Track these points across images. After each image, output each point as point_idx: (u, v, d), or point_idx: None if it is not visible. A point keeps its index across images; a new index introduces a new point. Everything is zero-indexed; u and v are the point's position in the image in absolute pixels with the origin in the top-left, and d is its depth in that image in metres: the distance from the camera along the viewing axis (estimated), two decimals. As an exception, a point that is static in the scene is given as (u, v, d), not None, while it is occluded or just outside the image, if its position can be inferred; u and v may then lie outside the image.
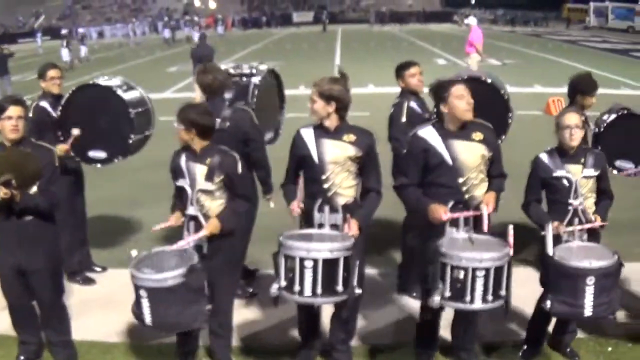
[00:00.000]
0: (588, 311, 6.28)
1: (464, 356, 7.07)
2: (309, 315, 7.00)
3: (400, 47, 51.16)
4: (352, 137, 6.59)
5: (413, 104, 8.56)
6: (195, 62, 22.57)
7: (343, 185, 6.59)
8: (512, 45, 51.31)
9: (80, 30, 70.16)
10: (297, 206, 6.65)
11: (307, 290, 5.96)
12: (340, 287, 6.05)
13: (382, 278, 9.22)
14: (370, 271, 8.96)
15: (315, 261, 5.91)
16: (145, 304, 5.99)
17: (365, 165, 6.68)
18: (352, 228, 6.38)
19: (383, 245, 10.06)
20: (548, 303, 6.40)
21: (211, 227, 6.45)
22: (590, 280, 6.18)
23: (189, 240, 6.44)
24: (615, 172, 8.92)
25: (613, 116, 8.91)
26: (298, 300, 6.18)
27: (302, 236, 6.31)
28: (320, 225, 6.52)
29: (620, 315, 8.13)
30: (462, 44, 45.68)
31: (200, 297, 6.22)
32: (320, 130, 6.65)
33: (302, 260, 5.93)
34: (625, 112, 9.01)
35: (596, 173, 6.90)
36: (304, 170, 6.77)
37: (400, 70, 8.85)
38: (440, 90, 6.54)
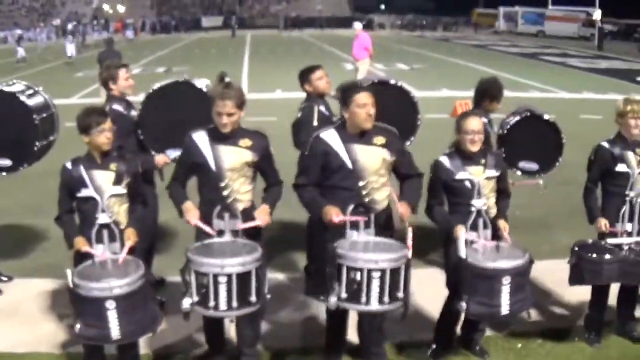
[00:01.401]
0: (505, 310, 6.39)
1: (373, 358, 7.08)
2: (215, 323, 6.95)
3: (309, 52, 51.32)
4: (248, 142, 6.51)
5: (322, 108, 8.58)
6: (103, 67, 22.22)
7: (241, 191, 6.53)
8: (421, 50, 51.92)
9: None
10: (197, 218, 6.50)
11: (223, 305, 5.89)
12: (254, 298, 6.00)
13: (289, 282, 9.18)
14: (276, 275, 8.96)
15: (230, 276, 5.84)
16: (113, 316, 5.74)
17: (263, 168, 6.68)
18: (263, 218, 6.42)
19: (289, 249, 10.03)
20: (464, 305, 6.44)
21: (133, 237, 6.36)
22: (506, 280, 6.28)
23: (120, 256, 6.22)
24: (519, 173, 9.09)
25: (517, 118, 9.07)
26: (214, 315, 6.12)
27: (210, 250, 6.18)
28: (221, 232, 6.43)
29: (532, 312, 8.28)
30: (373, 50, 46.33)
31: (153, 295, 6.23)
32: (215, 136, 6.51)
33: (216, 276, 5.85)
34: (529, 114, 9.19)
35: (497, 174, 6.99)
36: (199, 176, 6.65)
37: (307, 75, 8.83)
38: (344, 95, 6.56)
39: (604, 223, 7.40)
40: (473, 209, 6.80)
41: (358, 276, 5.90)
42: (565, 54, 56.56)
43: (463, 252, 6.44)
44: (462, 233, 6.56)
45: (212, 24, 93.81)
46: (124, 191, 6.45)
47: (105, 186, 6.35)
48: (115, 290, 5.72)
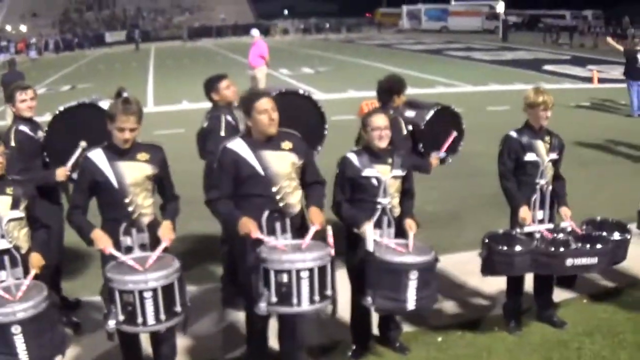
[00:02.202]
0: (411, 305, 6.44)
1: (295, 363, 7.07)
2: (133, 341, 6.76)
3: (214, 61, 51.01)
4: (145, 156, 6.40)
5: (229, 117, 8.51)
6: (6, 89, 21.85)
7: (144, 205, 6.41)
8: (325, 52, 52.10)
9: None
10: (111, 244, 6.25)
11: (151, 319, 5.80)
12: (178, 308, 5.95)
13: (204, 293, 9.07)
14: (192, 287, 8.88)
15: (154, 290, 5.76)
16: (20, 340, 5.53)
17: (162, 180, 6.59)
18: (168, 235, 6.33)
19: (203, 260, 9.88)
20: (369, 299, 6.49)
21: (37, 263, 6.16)
22: (414, 275, 6.33)
23: (25, 283, 5.97)
24: (441, 150, 9.16)
25: (431, 112, 9.17)
26: (143, 331, 6.02)
27: (127, 267, 6.01)
28: (129, 249, 6.32)
29: (450, 305, 8.37)
30: (276, 54, 46.17)
31: (59, 317, 6.07)
32: (112, 152, 6.37)
33: (141, 292, 5.76)
34: (439, 107, 9.33)
35: (403, 173, 7.05)
36: (100, 196, 6.46)
37: (213, 84, 8.71)
38: (245, 104, 6.53)
39: (525, 213, 7.53)
40: (378, 206, 6.85)
41: (286, 278, 5.87)
42: (469, 47, 57.42)
43: (370, 246, 6.48)
44: (369, 227, 6.61)
45: (115, 39, 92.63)
46: (22, 214, 6.28)
47: (2, 211, 6.17)
48: (18, 314, 5.54)
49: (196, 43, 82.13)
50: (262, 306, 5.97)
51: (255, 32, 26.49)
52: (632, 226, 8.46)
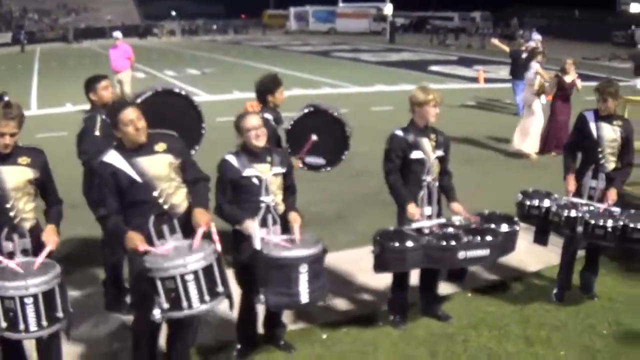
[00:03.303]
0: (305, 298, 6.43)
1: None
2: (16, 349, 6.56)
3: (99, 62, 49.79)
4: (26, 159, 6.25)
5: (105, 117, 8.37)
6: None
7: (26, 209, 6.26)
8: (212, 54, 51.80)
9: None
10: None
11: (33, 326, 5.68)
12: (60, 314, 5.84)
13: (87, 298, 8.85)
14: (75, 292, 8.65)
15: (35, 296, 5.64)
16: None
17: (44, 184, 6.44)
18: (52, 239, 6.19)
19: (85, 265, 9.60)
20: (262, 297, 6.45)
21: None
22: (303, 268, 6.33)
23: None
24: (306, 168, 9.13)
25: (299, 114, 9.14)
26: (26, 337, 5.91)
27: (7, 273, 5.86)
28: (11, 254, 6.16)
29: (336, 302, 8.35)
30: (162, 56, 45.89)
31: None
32: None
33: (21, 298, 5.63)
34: (312, 109, 9.25)
35: (283, 170, 7.05)
36: None
37: (92, 84, 8.54)
38: (111, 118, 6.37)
39: (414, 210, 7.58)
40: (262, 205, 6.85)
41: (172, 284, 5.80)
42: (356, 49, 57.92)
43: (258, 244, 6.46)
44: (255, 225, 6.60)
45: (1, 41, 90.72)
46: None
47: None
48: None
49: (81, 44, 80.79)
50: (157, 313, 5.88)
51: (118, 34, 25.86)
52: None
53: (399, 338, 7.72)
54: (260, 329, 7.51)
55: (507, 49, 24.78)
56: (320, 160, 9.12)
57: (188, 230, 6.34)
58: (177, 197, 6.44)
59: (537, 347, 7.65)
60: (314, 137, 9.01)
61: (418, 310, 8.25)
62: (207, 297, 5.90)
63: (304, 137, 9.00)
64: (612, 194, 8.30)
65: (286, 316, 7.69)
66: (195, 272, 5.83)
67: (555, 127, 17.58)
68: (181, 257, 5.89)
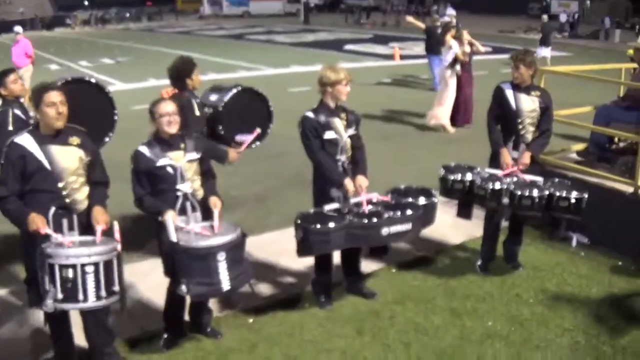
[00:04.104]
0: (226, 285, 6.39)
1: (105, 359, 6.80)
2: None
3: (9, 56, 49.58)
4: None
5: (17, 111, 8.20)
6: None
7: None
8: (126, 42, 51.00)
9: None
10: None
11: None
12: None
13: (12, 295, 8.67)
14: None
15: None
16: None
17: None
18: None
19: (6, 262, 9.40)
20: (184, 288, 6.37)
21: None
22: (221, 256, 6.29)
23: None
24: (242, 146, 9.02)
25: (230, 94, 9.07)
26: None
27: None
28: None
29: (260, 286, 8.28)
30: (75, 46, 45.23)
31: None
32: None
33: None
34: (240, 88, 9.23)
35: (198, 156, 6.95)
36: None
37: (1, 79, 8.43)
38: (34, 96, 6.26)
39: (350, 185, 7.57)
40: (179, 193, 6.76)
41: (71, 273, 5.73)
42: (271, 31, 57.75)
43: (173, 236, 6.40)
44: (169, 217, 6.52)
45: None
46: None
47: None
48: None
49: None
50: (49, 303, 5.79)
51: (18, 29, 25.25)
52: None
53: (325, 318, 7.70)
54: (187, 317, 7.41)
55: (422, 25, 24.91)
56: (254, 135, 9.01)
57: (85, 230, 6.30)
58: (81, 193, 6.39)
59: (464, 319, 7.71)
60: (258, 130, 9.02)
61: (343, 289, 8.25)
62: (103, 293, 5.88)
63: (234, 118, 9.02)
64: (525, 157, 8.35)
65: (211, 303, 7.57)
66: (96, 265, 5.81)
67: (463, 100, 17.81)
68: (85, 247, 5.88)
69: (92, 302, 5.84)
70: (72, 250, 5.82)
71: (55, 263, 5.74)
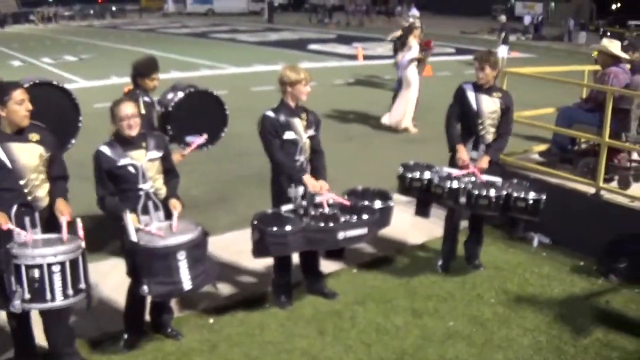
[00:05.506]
0: (187, 285, 6.35)
1: (66, 359, 6.72)
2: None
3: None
4: None
5: None
6: None
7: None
8: (89, 39, 50.63)
9: None
10: None
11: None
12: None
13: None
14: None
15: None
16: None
17: None
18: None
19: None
20: (145, 288, 6.32)
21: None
22: (182, 255, 6.26)
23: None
24: (187, 148, 8.94)
25: (181, 95, 9.00)
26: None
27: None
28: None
29: (221, 286, 8.22)
30: (38, 43, 44.84)
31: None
32: None
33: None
34: (192, 90, 9.17)
35: (160, 154, 6.90)
36: None
37: None
38: (1, 94, 6.17)
39: (314, 182, 7.57)
40: (141, 193, 6.72)
41: (37, 273, 5.69)
42: (234, 30, 57.58)
43: (133, 236, 6.35)
44: (128, 217, 6.46)
45: None
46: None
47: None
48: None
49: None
50: (17, 304, 5.75)
51: None
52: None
53: (286, 318, 7.68)
54: (147, 317, 7.36)
55: (398, 32, 24.80)
56: (201, 140, 8.96)
57: (48, 226, 6.26)
58: (42, 190, 6.34)
59: (425, 319, 7.72)
60: (205, 136, 8.99)
61: (304, 289, 8.23)
62: (70, 292, 5.87)
63: (185, 119, 8.95)
64: (483, 161, 8.40)
65: (172, 303, 7.53)
66: (62, 264, 5.79)
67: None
68: (50, 246, 5.84)
69: (59, 301, 5.83)
70: (38, 250, 5.77)
71: (22, 263, 5.70)
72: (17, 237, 5.92)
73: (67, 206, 6.23)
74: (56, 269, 5.73)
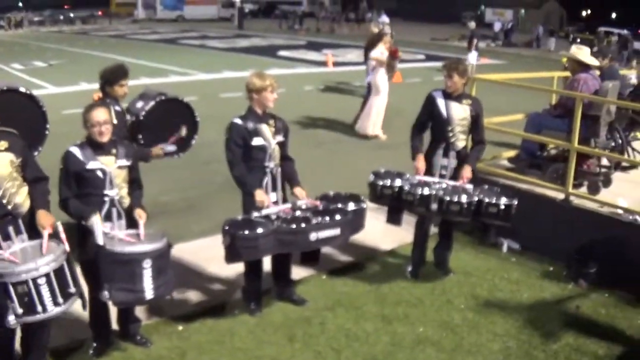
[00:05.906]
0: (149, 294, 6.34)
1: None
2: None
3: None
4: None
5: None
6: None
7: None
8: (59, 45, 50.35)
9: None
10: None
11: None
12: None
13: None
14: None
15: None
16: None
17: None
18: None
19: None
20: (106, 293, 6.31)
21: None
22: (147, 264, 6.25)
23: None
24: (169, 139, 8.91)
25: (151, 103, 8.95)
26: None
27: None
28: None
29: (190, 293, 8.20)
30: (7, 49, 44.56)
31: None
32: None
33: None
34: (163, 97, 9.15)
35: (128, 163, 6.87)
36: None
37: None
38: None
39: (262, 196, 7.55)
40: (106, 199, 6.69)
41: (24, 288, 5.66)
42: (204, 36, 57.41)
43: (100, 239, 6.31)
44: (97, 219, 6.41)
45: None
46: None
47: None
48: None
49: None
50: (11, 319, 5.70)
51: None
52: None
53: (255, 325, 7.65)
54: (115, 325, 7.30)
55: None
56: (171, 148, 8.95)
57: (32, 228, 6.19)
58: (20, 196, 6.25)
59: (395, 325, 7.72)
60: (184, 130, 9.00)
61: (273, 296, 8.21)
62: (60, 299, 5.85)
63: (156, 127, 8.90)
64: (467, 171, 8.42)
65: (140, 311, 7.51)
66: (47, 275, 5.76)
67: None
68: (32, 261, 5.77)
69: (51, 311, 5.81)
70: (20, 267, 5.70)
71: (8, 282, 5.64)
72: (5, 248, 5.89)
73: (48, 217, 6.15)
74: (42, 281, 5.70)
